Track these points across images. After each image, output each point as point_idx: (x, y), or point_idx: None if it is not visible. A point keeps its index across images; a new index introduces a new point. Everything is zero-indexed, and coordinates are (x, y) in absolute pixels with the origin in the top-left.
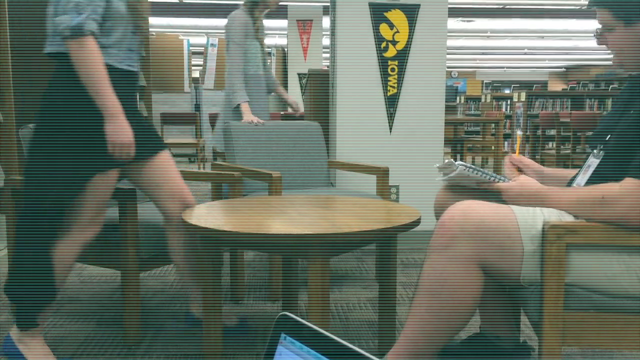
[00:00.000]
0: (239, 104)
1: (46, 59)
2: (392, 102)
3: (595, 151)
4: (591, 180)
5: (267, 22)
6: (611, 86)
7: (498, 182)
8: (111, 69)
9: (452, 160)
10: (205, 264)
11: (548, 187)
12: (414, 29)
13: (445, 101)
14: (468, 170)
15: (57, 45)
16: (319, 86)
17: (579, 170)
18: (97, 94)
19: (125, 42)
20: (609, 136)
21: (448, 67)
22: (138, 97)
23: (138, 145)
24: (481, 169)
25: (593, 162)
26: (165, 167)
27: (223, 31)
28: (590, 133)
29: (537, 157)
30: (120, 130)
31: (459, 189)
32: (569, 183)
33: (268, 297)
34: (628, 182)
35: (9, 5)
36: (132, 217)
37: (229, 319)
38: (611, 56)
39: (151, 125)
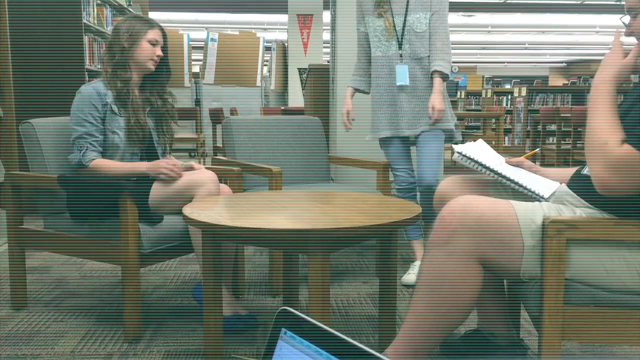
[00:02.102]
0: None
1: (46, 55)
2: None
3: None
4: None
5: (267, 17)
6: None
7: (499, 179)
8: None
9: (454, 147)
10: (206, 259)
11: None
12: None
13: None
14: (466, 161)
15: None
16: (320, 81)
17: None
18: (129, 173)
19: (126, 160)
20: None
21: None
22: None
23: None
24: (483, 164)
25: None
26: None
27: (223, 25)
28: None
29: (537, 152)
30: (157, 170)
31: (460, 182)
32: (578, 171)
33: (268, 292)
34: (627, 148)
35: (9, 3)
36: (133, 212)
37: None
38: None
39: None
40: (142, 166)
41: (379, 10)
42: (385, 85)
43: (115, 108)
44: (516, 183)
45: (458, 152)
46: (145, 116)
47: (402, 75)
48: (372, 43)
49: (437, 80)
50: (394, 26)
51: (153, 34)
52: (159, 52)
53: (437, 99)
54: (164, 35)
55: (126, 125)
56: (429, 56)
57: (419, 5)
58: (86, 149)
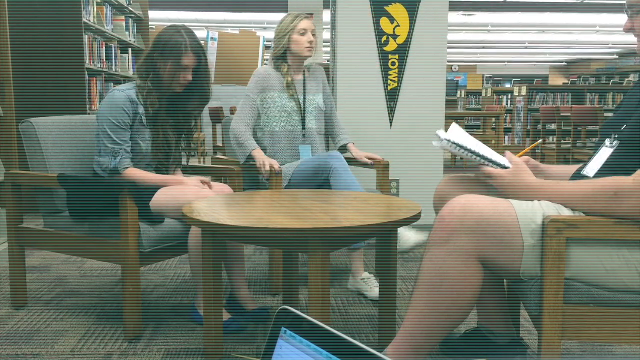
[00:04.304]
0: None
1: (46, 54)
2: (392, 96)
3: (608, 140)
4: (603, 170)
5: (267, 16)
6: (612, 80)
7: (487, 165)
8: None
9: (441, 132)
10: (208, 258)
11: (545, 180)
12: (414, 23)
13: (446, 95)
14: (452, 147)
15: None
16: None
17: (589, 159)
18: (158, 184)
19: (150, 168)
20: (624, 126)
21: (449, 61)
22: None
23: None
24: (469, 149)
25: (605, 151)
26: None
27: (223, 25)
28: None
29: (537, 151)
30: (184, 190)
31: (460, 181)
32: (578, 171)
33: (268, 291)
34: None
35: (9, 3)
36: (133, 212)
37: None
38: (614, 50)
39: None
40: (172, 182)
41: (290, 92)
42: (284, 151)
43: (144, 120)
44: (503, 167)
45: (447, 140)
46: (168, 131)
47: (306, 153)
48: (269, 118)
49: (354, 147)
50: (300, 105)
51: (187, 61)
52: (189, 77)
53: (363, 153)
54: (200, 59)
55: (153, 140)
56: (332, 131)
57: (314, 87)
58: (121, 157)
